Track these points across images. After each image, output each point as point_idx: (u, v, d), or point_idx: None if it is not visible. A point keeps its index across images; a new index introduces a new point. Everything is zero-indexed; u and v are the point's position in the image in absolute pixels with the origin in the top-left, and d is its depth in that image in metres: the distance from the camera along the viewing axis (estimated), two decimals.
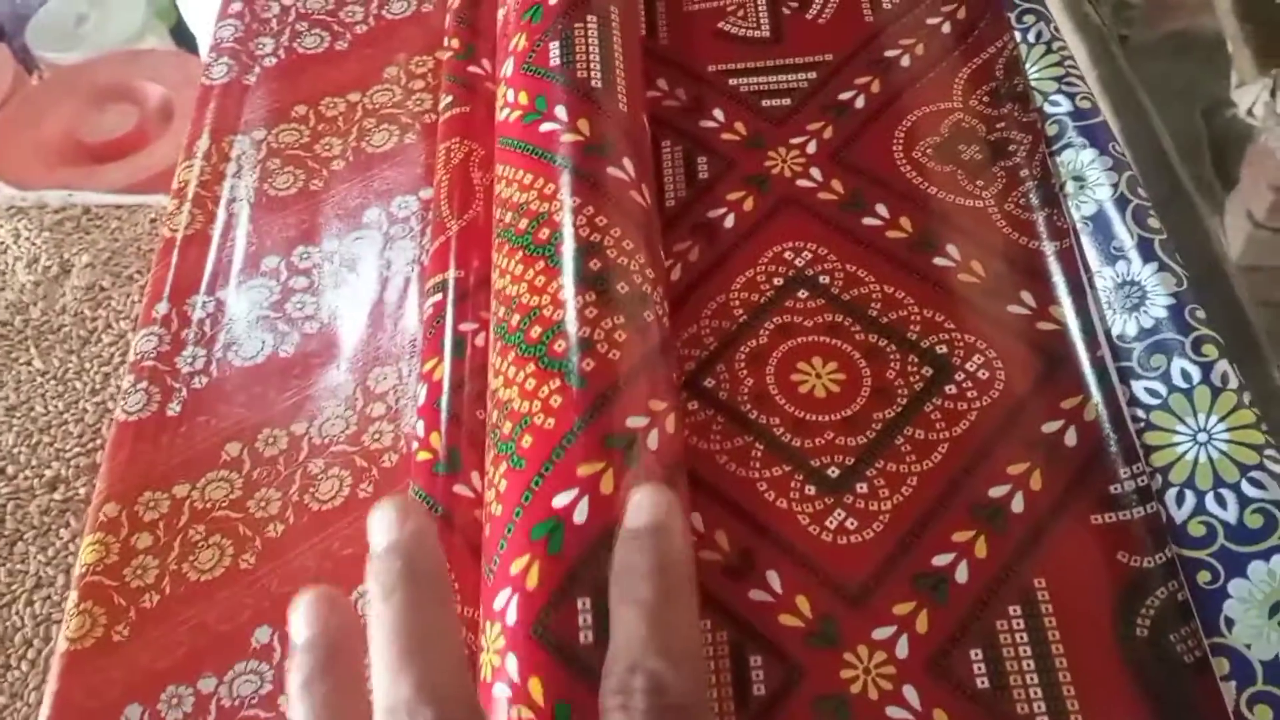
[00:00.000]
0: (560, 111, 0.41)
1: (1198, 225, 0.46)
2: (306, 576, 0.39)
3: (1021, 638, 0.34)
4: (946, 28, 0.49)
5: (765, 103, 0.48)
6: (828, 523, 0.36)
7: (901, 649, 0.34)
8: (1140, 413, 0.38)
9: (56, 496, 0.49)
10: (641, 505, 0.30)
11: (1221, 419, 0.36)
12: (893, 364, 0.40)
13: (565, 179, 0.39)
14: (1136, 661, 0.33)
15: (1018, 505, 0.36)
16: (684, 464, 0.36)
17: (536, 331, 0.35)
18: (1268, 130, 0.52)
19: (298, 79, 0.54)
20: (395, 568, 0.27)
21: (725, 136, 0.47)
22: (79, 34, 0.90)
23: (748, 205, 0.44)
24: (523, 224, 0.38)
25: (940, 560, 0.35)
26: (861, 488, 0.37)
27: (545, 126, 0.41)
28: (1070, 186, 0.43)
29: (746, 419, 0.39)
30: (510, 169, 0.41)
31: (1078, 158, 0.43)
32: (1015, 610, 0.34)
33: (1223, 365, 0.37)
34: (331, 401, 0.44)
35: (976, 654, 0.34)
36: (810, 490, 0.37)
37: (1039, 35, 0.47)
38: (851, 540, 0.36)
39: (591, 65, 0.42)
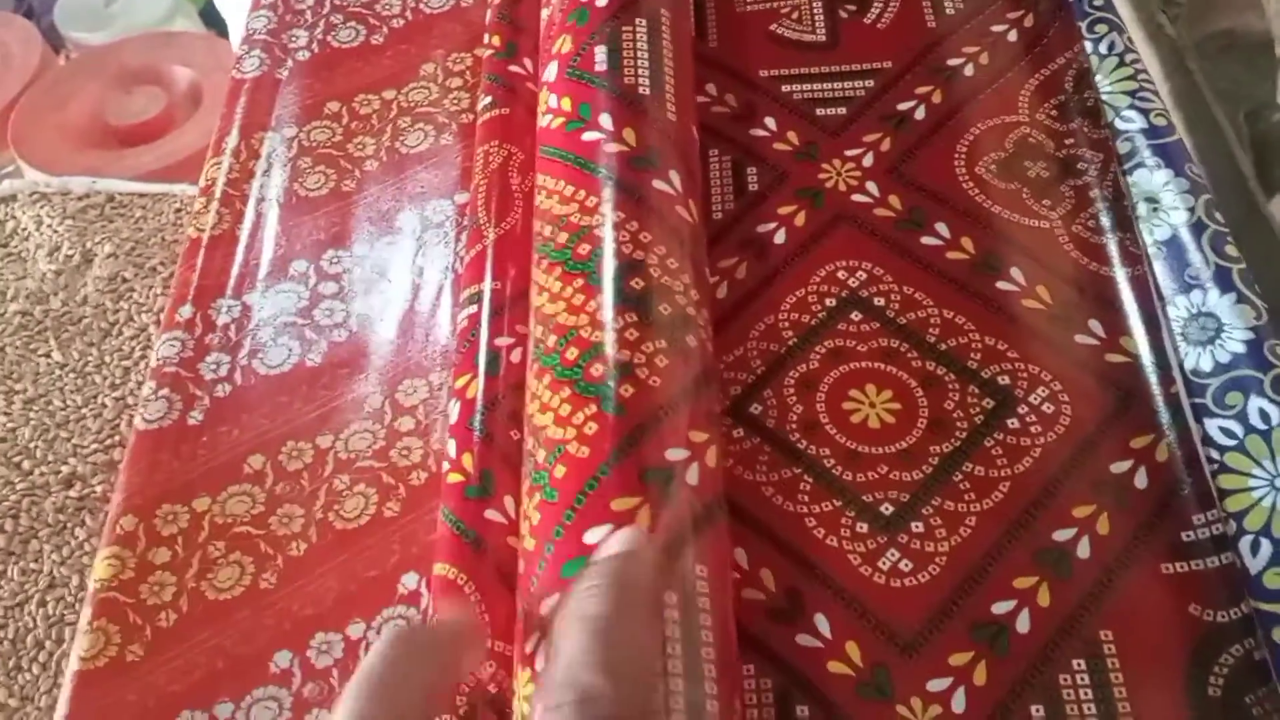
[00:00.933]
0: (605, 120, 0.39)
1: (1276, 251, 0.44)
2: (329, 599, 0.38)
3: (1086, 694, 0.32)
4: (1013, 36, 0.47)
5: (820, 111, 0.46)
6: (880, 564, 0.35)
7: (958, 703, 0.32)
8: (1214, 454, 0.36)
9: (73, 494, 0.48)
10: (612, 539, 0.29)
11: None
12: (951, 394, 0.38)
13: (608, 192, 0.37)
14: None
15: (1083, 551, 0.34)
16: (724, 499, 0.34)
17: (573, 353, 0.34)
18: None
19: (331, 74, 0.53)
20: None
21: (777, 146, 0.45)
22: (108, 14, 0.89)
23: (799, 220, 0.42)
24: (562, 238, 0.37)
25: (1000, 608, 0.34)
26: (917, 527, 0.35)
27: (588, 135, 0.39)
28: (1143, 209, 0.41)
29: (795, 449, 0.37)
30: (551, 179, 0.39)
31: (1152, 178, 0.41)
32: (1080, 664, 0.33)
33: None
34: (359, 414, 0.42)
35: (1038, 710, 0.32)
36: (862, 528, 0.35)
37: (1111, 46, 0.45)
38: (905, 583, 0.34)
39: (640, 71, 0.40)
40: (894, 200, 0.43)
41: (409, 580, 0.38)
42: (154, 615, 0.38)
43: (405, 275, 0.46)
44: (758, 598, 0.34)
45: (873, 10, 0.49)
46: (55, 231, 0.57)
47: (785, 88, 0.46)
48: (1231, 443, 0.35)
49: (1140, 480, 0.35)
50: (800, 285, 0.41)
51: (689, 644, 0.29)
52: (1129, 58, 0.44)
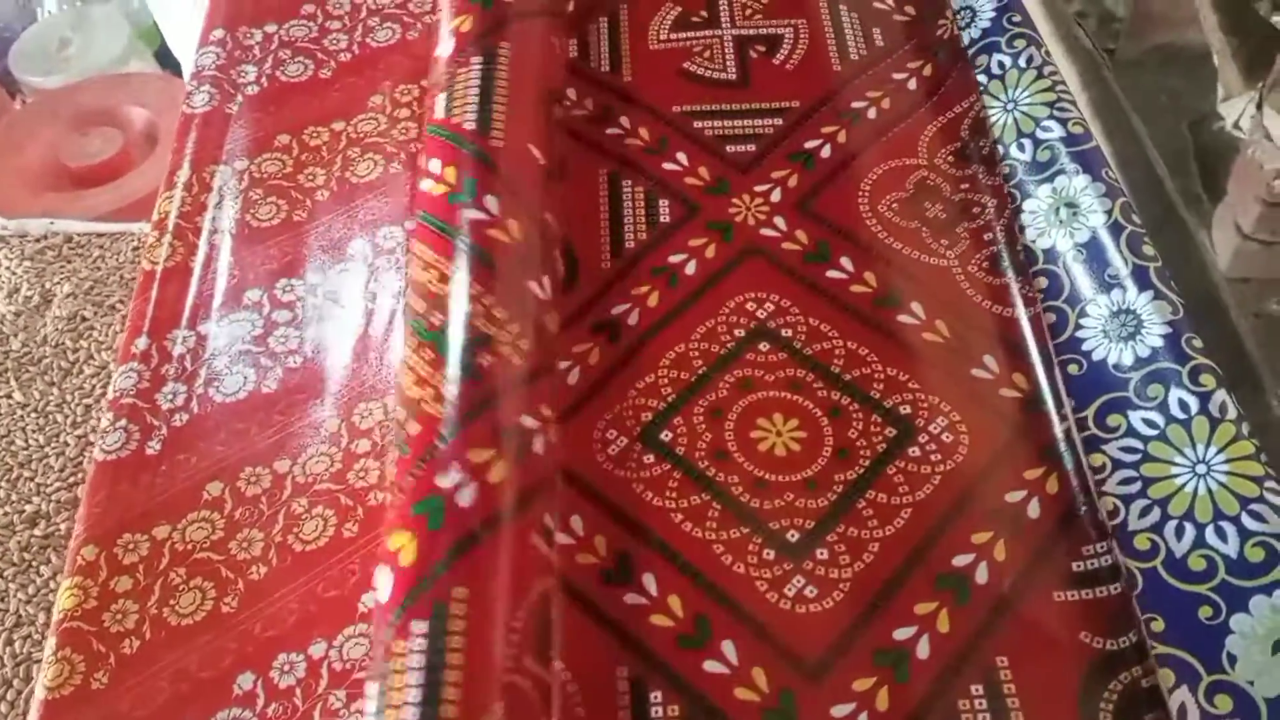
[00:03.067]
0: (434, 165, 0.37)
1: (1192, 249, 0.45)
2: (290, 620, 0.37)
3: (984, 719, 0.32)
4: (913, 84, 0.47)
5: (730, 148, 0.44)
6: (786, 590, 0.34)
7: None
8: (1137, 444, 0.35)
9: (37, 532, 0.46)
10: None
11: (1220, 450, 0.33)
12: (855, 423, 0.37)
13: (419, 230, 0.37)
14: None
15: (982, 576, 0.34)
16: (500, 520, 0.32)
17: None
18: (1254, 143, 0.51)
19: (281, 108, 0.51)
20: None
21: (689, 180, 0.44)
22: (62, 58, 0.87)
23: (710, 252, 0.42)
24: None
25: (901, 634, 0.33)
26: (822, 554, 0.34)
27: (424, 184, 0.37)
28: (1064, 213, 0.40)
29: (704, 477, 0.36)
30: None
31: (1070, 184, 0.40)
32: (978, 689, 0.32)
33: (1221, 395, 0.34)
34: (315, 438, 0.41)
35: None
36: (769, 555, 0.35)
37: (1030, 60, 0.44)
38: (811, 609, 0.34)
39: (468, 108, 0.39)
40: (801, 235, 0.42)
41: (370, 600, 0.36)
42: (117, 643, 0.37)
43: (358, 301, 0.44)
44: (667, 624, 0.33)
45: (781, 51, 0.48)
46: (14, 273, 0.55)
47: (697, 124, 0.45)
48: (1154, 433, 0.34)
49: (1033, 510, 0.35)
50: (710, 315, 0.40)
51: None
52: (1047, 70, 0.43)
